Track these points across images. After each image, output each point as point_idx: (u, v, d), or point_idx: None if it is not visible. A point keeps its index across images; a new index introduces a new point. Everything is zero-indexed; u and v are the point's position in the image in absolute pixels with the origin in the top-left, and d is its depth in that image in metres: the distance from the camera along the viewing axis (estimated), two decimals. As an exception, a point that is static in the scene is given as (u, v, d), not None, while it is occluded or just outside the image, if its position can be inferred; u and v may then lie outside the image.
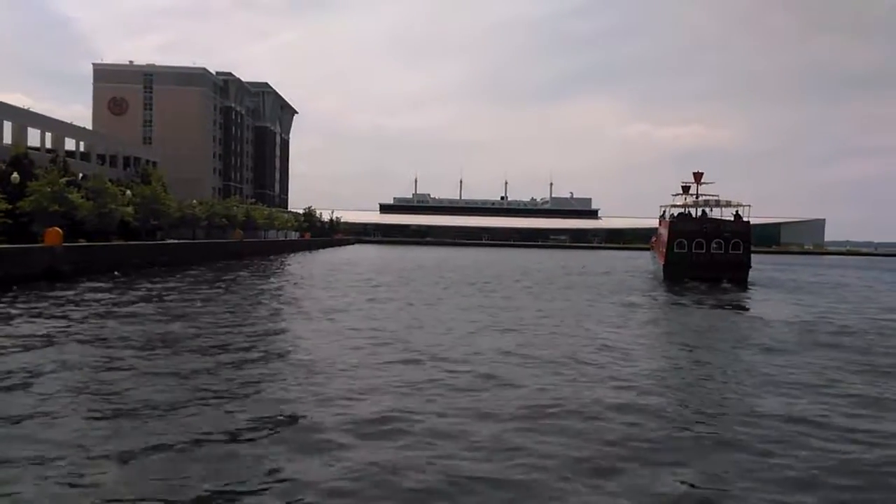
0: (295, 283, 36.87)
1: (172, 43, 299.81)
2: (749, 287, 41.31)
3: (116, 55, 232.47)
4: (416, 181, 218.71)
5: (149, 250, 46.85)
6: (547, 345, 17.38)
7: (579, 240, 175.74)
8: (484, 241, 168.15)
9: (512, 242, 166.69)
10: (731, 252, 45.15)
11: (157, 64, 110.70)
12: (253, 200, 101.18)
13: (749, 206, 48.52)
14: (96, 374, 12.59)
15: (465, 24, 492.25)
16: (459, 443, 8.99)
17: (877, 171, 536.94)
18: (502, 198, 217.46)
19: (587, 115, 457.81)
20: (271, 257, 71.42)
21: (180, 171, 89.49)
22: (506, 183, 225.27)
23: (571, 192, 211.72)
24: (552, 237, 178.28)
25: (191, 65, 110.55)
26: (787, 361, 15.64)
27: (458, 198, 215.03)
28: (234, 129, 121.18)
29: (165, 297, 26.35)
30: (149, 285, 31.33)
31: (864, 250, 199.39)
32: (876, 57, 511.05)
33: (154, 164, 79.60)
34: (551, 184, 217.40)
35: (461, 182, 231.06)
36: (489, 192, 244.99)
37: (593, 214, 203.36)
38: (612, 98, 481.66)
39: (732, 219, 48.03)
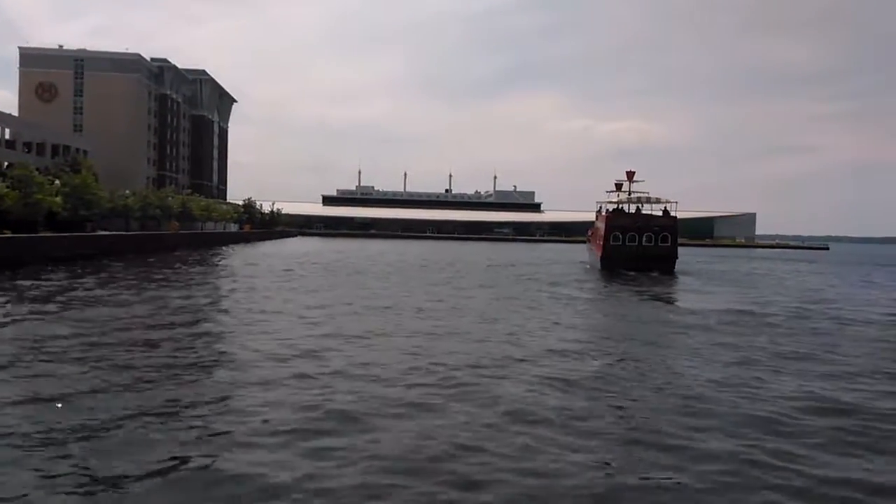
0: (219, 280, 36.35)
1: (105, 27, 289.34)
2: (676, 276, 45.50)
3: (45, 39, 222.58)
4: (359, 173, 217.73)
5: (73, 242, 45.03)
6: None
7: (523, 233, 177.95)
8: (428, 234, 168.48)
9: (456, 235, 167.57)
10: (660, 244, 48.66)
11: (88, 49, 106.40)
12: (189, 191, 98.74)
13: (676, 202, 51.91)
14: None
15: (405, 15, 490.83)
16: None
17: (805, 168, 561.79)
18: (447, 191, 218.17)
19: (530, 109, 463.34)
20: (208, 250, 69.96)
21: (113, 160, 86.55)
22: (450, 176, 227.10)
23: (515, 186, 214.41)
24: (496, 230, 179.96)
25: (124, 50, 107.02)
26: (699, 337, 16.61)
27: (403, 190, 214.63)
28: (169, 117, 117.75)
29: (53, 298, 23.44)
30: (45, 281, 29.43)
31: (793, 244, 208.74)
32: (807, 57, 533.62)
33: (85, 152, 76.83)
34: (495, 177, 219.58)
35: (405, 175, 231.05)
36: (434, 185, 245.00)
37: (536, 208, 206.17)
38: (554, 93, 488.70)
39: (661, 214, 51.27)
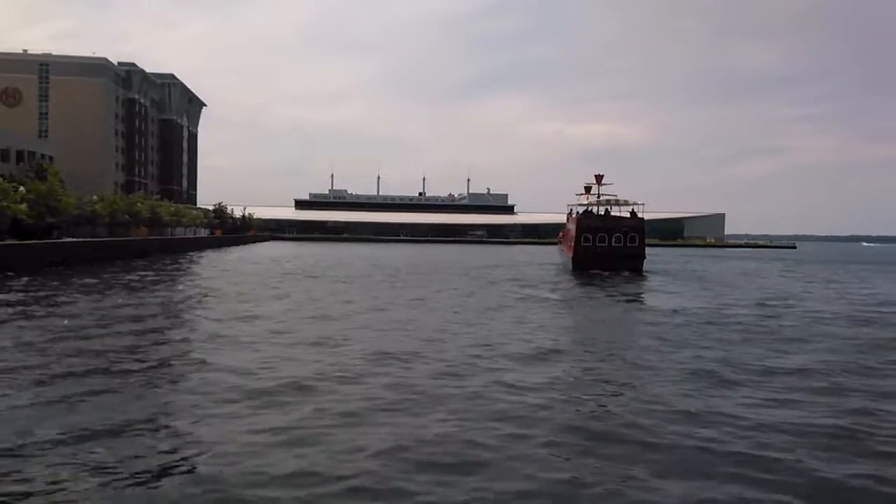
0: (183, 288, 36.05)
1: (72, 31, 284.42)
2: (645, 275, 47.18)
3: (9, 43, 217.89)
4: (332, 177, 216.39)
5: (37, 250, 44.03)
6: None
7: (496, 235, 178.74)
8: (402, 238, 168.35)
9: (430, 238, 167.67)
10: (628, 245, 50.32)
11: (53, 53, 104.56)
12: (159, 196, 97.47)
13: (643, 204, 54.00)
14: None
15: (379, 20, 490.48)
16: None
17: (773, 169, 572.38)
18: (420, 194, 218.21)
19: (503, 112, 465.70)
20: (178, 256, 69.17)
21: (79, 166, 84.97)
22: (423, 179, 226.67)
23: (488, 188, 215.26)
24: (470, 232, 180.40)
25: (91, 54, 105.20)
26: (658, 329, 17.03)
27: (376, 194, 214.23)
28: (137, 121, 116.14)
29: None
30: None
31: (761, 243, 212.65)
32: (777, 60, 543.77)
33: (50, 158, 75.47)
34: (468, 180, 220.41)
35: (379, 178, 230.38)
36: (407, 188, 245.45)
37: (509, 210, 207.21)
38: (527, 96, 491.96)
39: (629, 216, 53.17)
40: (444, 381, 12.95)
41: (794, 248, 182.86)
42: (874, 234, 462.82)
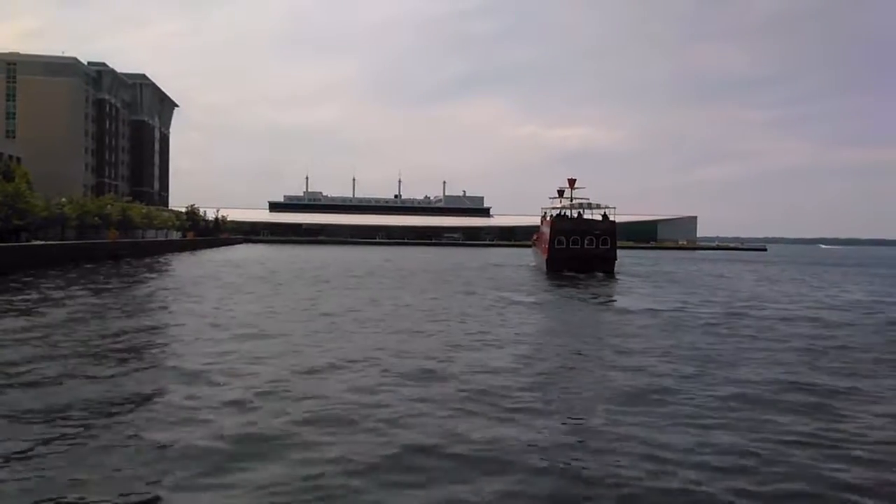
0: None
1: (39, 30, 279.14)
2: (616, 276, 48.63)
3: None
4: (307, 179, 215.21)
5: (1, 253, 42.70)
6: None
7: (472, 237, 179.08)
8: (378, 240, 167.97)
9: (406, 241, 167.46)
10: (601, 247, 51.50)
11: (21, 52, 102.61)
12: (130, 198, 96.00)
13: (615, 207, 55.43)
14: None
15: (354, 20, 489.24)
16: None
17: (744, 172, 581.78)
18: (396, 196, 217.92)
19: (479, 115, 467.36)
20: (149, 258, 68.22)
21: (48, 167, 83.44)
22: (399, 181, 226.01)
23: (464, 191, 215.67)
24: (446, 235, 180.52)
25: (60, 53, 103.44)
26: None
27: (352, 196, 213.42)
28: (108, 122, 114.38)
29: None
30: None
31: (732, 245, 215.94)
32: (744, 66, 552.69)
33: (18, 159, 74.01)
34: (444, 182, 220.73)
35: (354, 180, 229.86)
36: (383, 191, 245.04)
37: (485, 212, 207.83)
38: (503, 100, 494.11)
39: (601, 219, 54.40)
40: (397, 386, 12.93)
41: (765, 250, 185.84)
42: (843, 236, 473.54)
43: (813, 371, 14.98)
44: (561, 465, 8.53)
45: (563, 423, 10.51)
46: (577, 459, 8.76)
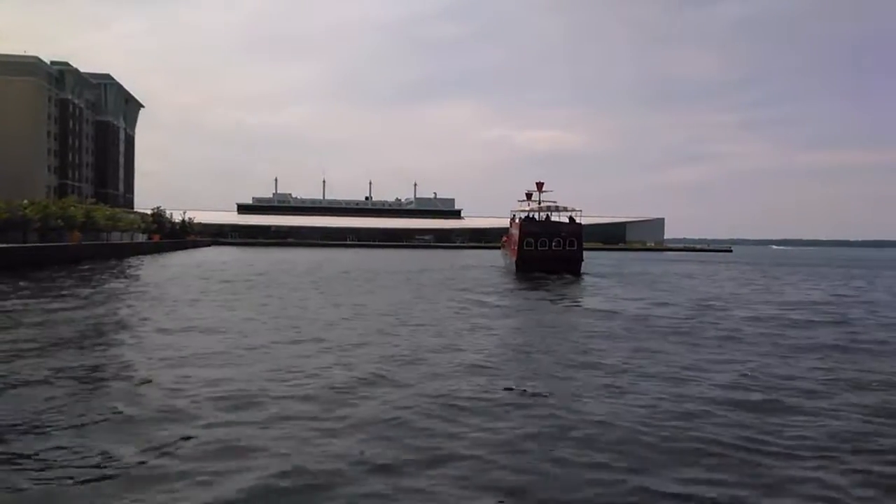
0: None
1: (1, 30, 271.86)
2: (583, 277, 50.21)
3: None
4: (276, 181, 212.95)
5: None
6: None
7: (444, 240, 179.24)
8: (349, 242, 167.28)
9: (377, 243, 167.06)
10: (568, 249, 52.94)
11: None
12: (94, 200, 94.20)
13: (581, 210, 57.16)
14: None
15: (322, 21, 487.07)
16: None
17: (711, 175, 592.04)
18: (367, 198, 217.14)
19: (448, 117, 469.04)
20: (113, 261, 67.02)
21: (9, 168, 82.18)
22: (370, 183, 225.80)
23: (435, 193, 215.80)
24: (417, 237, 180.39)
25: (21, 52, 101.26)
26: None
27: (322, 198, 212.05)
28: (71, 123, 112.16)
29: None
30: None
31: (699, 246, 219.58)
32: (709, 69, 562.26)
33: (-25, 160, 72.27)
34: (415, 184, 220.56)
35: (324, 182, 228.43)
36: (354, 193, 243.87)
37: (457, 214, 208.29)
38: (473, 102, 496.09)
39: (568, 221, 55.96)
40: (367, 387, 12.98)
41: (731, 251, 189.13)
42: (806, 237, 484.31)
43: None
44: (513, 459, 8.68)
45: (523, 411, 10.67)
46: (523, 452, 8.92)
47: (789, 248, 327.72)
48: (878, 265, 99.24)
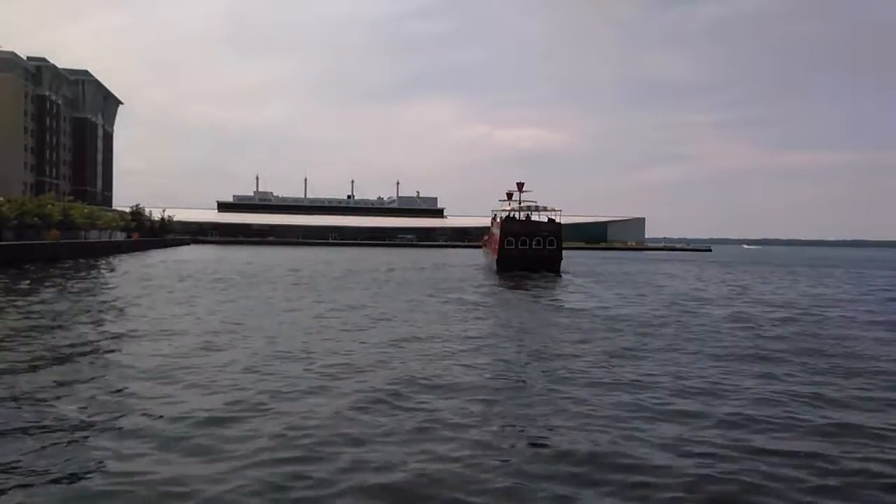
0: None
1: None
2: (561, 275, 51.06)
3: None
4: (258, 179, 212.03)
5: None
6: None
7: (426, 238, 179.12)
8: (331, 241, 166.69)
9: (359, 241, 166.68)
10: (547, 248, 54.04)
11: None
12: (71, 198, 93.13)
13: (560, 210, 58.27)
14: None
15: (300, 19, 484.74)
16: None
17: (690, 174, 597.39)
18: (349, 196, 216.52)
19: (431, 115, 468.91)
20: (91, 260, 66.41)
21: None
22: (352, 182, 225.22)
23: (418, 192, 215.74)
24: (399, 236, 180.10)
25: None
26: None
27: (304, 196, 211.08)
28: (48, 119, 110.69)
29: None
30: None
31: (678, 246, 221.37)
32: (695, 69, 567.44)
33: (-50, 157, 71.18)
34: (398, 183, 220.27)
35: (306, 180, 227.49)
36: (336, 191, 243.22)
37: (439, 213, 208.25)
38: (455, 100, 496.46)
39: (547, 221, 57.01)
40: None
41: (710, 250, 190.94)
42: (784, 237, 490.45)
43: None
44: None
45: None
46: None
47: (761, 247, 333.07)
48: (843, 264, 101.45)
